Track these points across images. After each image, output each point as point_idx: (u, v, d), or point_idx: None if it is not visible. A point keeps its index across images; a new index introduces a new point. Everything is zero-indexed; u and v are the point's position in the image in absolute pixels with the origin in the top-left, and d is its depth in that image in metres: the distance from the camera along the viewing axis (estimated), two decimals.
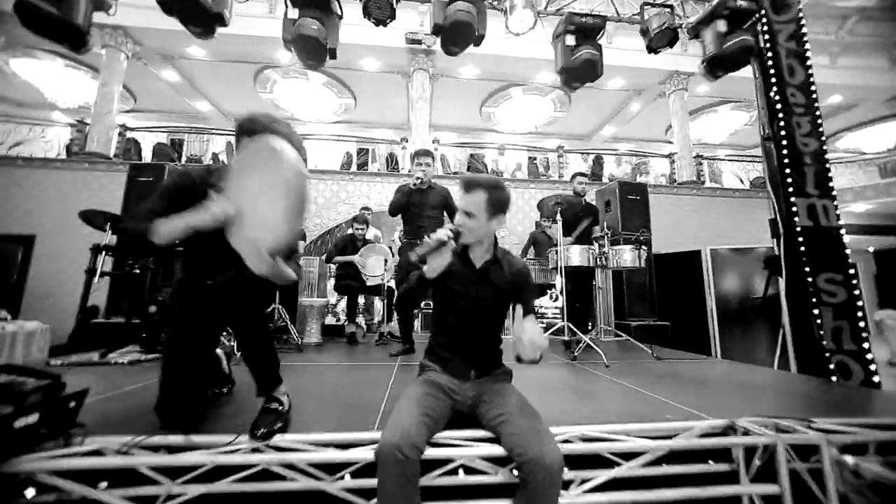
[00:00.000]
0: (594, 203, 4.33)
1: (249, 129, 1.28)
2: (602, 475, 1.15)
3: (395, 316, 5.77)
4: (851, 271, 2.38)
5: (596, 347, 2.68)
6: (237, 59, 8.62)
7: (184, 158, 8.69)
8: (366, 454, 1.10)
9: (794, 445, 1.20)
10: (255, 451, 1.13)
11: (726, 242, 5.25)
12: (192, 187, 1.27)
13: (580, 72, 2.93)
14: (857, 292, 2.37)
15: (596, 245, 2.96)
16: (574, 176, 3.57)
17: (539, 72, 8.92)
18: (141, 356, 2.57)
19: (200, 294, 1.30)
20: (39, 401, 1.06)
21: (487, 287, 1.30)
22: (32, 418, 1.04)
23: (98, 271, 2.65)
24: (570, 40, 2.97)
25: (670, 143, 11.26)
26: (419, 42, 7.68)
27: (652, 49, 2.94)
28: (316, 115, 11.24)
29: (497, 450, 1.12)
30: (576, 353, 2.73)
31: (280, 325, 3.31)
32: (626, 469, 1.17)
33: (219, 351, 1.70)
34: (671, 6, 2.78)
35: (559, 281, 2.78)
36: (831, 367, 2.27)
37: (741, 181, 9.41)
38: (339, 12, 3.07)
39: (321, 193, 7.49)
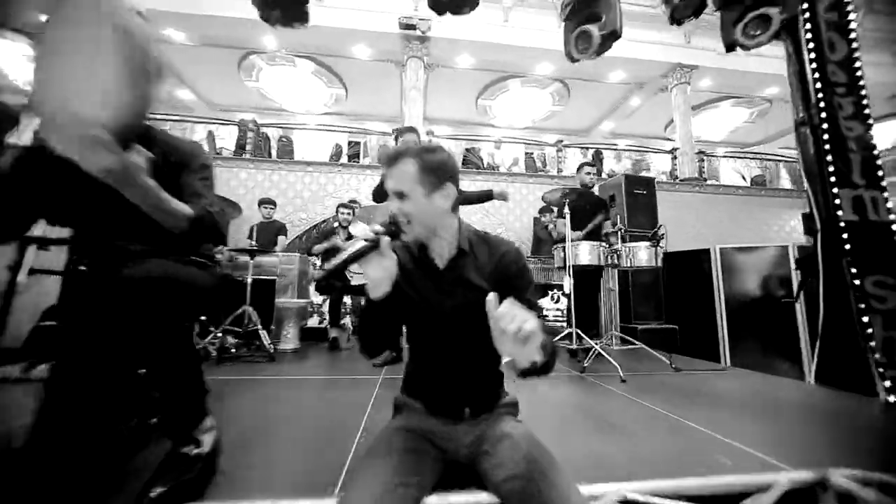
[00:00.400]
0: (600, 195, 4.00)
1: None
2: None
3: None
4: None
5: (608, 357, 2.35)
6: (220, 43, 8.13)
7: None
8: None
9: None
10: None
11: (728, 241, 4.99)
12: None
13: (590, 43, 2.57)
14: None
15: (607, 242, 2.62)
16: (581, 166, 3.23)
17: (538, 62, 8.59)
18: None
19: (101, 292, 0.91)
20: None
21: (461, 290, 0.89)
22: None
23: (27, 268, 2.24)
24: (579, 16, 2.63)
25: (670, 139, 11.01)
26: (413, 27, 7.28)
27: (675, 20, 2.61)
28: (305, 105, 10.77)
29: None
30: (585, 364, 2.40)
31: (250, 329, 2.92)
32: None
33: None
34: None
35: (567, 282, 2.45)
36: (887, 384, 1.96)
37: (743, 178, 9.18)
38: None
39: (307, 186, 7.07)
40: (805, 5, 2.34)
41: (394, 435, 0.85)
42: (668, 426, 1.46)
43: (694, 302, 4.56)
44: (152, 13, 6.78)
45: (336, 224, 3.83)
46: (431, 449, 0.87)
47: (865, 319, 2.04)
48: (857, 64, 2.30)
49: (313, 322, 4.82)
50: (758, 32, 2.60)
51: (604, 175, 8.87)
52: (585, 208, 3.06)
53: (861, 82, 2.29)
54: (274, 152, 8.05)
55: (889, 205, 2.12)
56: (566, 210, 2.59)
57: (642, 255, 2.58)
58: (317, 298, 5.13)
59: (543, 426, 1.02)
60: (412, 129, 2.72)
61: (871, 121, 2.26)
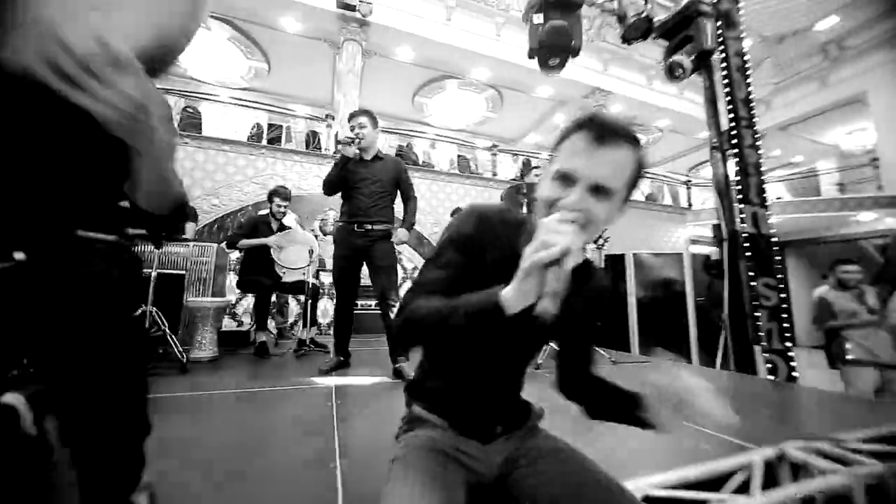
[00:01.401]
0: None
1: None
2: None
3: (323, 321, 4.93)
4: (781, 276, 2.59)
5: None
6: None
7: None
8: None
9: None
10: None
11: (633, 248, 5.76)
12: None
13: (552, 45, 2.65)
14: (784, 296, 2.58)
15: None
16: (531, 168, 3.36)
17: (476, 66, 8.81)
18: None
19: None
20: None
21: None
22: None
23: None
24: (539, 18, 2.71)
25: None
26: (353, 8, 6.84)
27: (625, 39, 2.87)
28: (218, 75, 9.37)
29: None
30: (540, 361, 2.47)
31: (156, 335, 2.36)
32: None
33: (12, 398, 0.92)
34: None
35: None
36: (768, 366, 2.41)
37: (641, 194, 10.68)
38: None
39: (221, 168, 6.13)
40: (721, 47, 2.75)
41: (424, 455, 0.70)
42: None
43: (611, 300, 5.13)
44: None
45: (267, 213, 3.34)
46: (460, 472, 0.74)
47: (757, 314, 2.47)
48: (752, 104, 2.79)
49: (228, 325, 4.17)
50: (678, 73, 3.00)
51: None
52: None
53: (755, 118, 2.78)
54: (175, 124, 6.81)
55: (770, 220, 2.62)
56: (524, 207, 2.64)
57: (590, 256, 2.76)
58: (230, 297, 4.45)
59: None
60: (366, 112, 2.38)
61: (761, 150, 2.75)
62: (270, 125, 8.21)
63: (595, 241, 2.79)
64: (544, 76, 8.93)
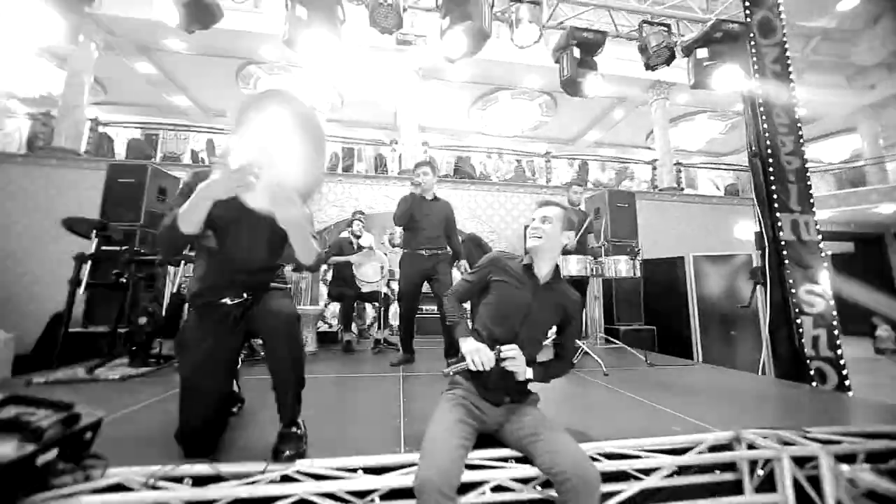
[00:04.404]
0: (586, 210, 4.44)
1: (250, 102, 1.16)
2: (629, 489, 1.20)
3: (394, 323, 5.74)
4: (828, 283, 2.56)
5: (593, 355, 2.77)
6: (219, 53, 8.32)
7: (159, 156, 8.30)
8: (400, 480, 1.11)
9: (793, 456, 1.29)
10: (285, 479, 1.12)
11: (702, 246, 5.50)
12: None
13: (572, 87, 3.00)
14: (832, 303, 2.55)
15: (593, 255, 3.05)
16: (570, 185, 3.66)
17: (527, 76, 9.05)
18: (132, 370, 2.47)
19: (221, 316, 1.26)
20: (58, 435, 1.01)
21: (548, 307, 1.33)
22: (52, 454, 0.99)
23: (84, 282, 2.52)
24: (575, 53, 3.04)
25: (650, 149, 11.65)
26: (409, 43, 7.65)
27: (649, 66, 3.06)
28: None
29: (528, 470, 1.15)
30: (574, 361, 2.81)
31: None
32: (647, 482, 1.23)
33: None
34: (668, 26, 2.89)
35: None
36: (811, 372, 2.43)
37: (717, 188, 9.85)
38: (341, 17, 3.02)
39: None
40: (755, 59, 2.81)
41: (452, 410, 1.22)
42: (640, 407, 1.87)
43: (670, 304, 5.05)
44: (153, 23, 6.94)
45: (347, 234, 4.16)
46: (476, 423, 1.24)
47: (799, 321, 2.50)
48: (795, 109, 2.78)
49: (320, 327, 5.13)
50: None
51: (589, 184, 9.39)
52: (578, 227, 3.48)
53: (798, 124, 2.76)
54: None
55: (817, 227, 2.60)
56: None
57: (622, 266, 3.00)
58: (320, 304, 5.44)
59: (540, 407, 1.41)
60: (427, 163, 3.07)
61: (805, 155, 2.73)
62: (344, 150, 9.44)
63: (627, 253, 3.02)
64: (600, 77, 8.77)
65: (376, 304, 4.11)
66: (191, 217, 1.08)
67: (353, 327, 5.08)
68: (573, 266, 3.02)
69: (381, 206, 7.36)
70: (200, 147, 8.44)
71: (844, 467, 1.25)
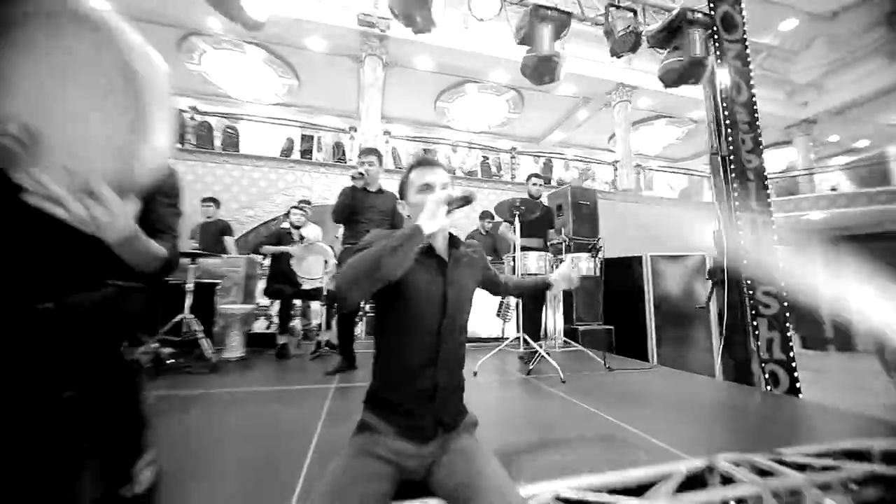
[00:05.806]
0: (549, 206, 4.27)
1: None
2: None
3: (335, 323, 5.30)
4: (783, 284, 2.52)
5: (551, 360, 2.55)
6: (156, 20, 7.37)
7: None
8: None
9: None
10: None
11: (661, 247, 5.56)
12: None
13: (538, 69, 2.77)
14: (786, 304, 2.50)
15: (553, 250, 2.83)
16: (529, 177, 3.45)
17: (494, 69, 8.86)
18: None
19: (27, 328, 0.84)
20: None
21: (461, 282, 1.03)
22: None
23: None
24: (538, 32, 2.80)
25: (612, 151, 11.93)
26: (372, 25, 7.17)
27: (615, 53, 2.89)
28: (254, 94, 10.13)
29: None
30: (531, 367, 2.59)
31: (189, 338, 2.74)
32: None
33: None
34: (634, 10, 2.74)
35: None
36: (766, 376, 2.36)
37: (671, 189, 10.23)
38: None
39: (255, 182, 6.69)
40: (718, 53, 2.70)
41: (353, 461, 0.88)
42: (599, 425, 1.64)
43: (627, 304, 5.03)
44: None
45: (287, 224, 3.70)
46: (391, 472, 0.90)
47: (755, 323, 2.42)
48: (755, 107, 2.71)
49: (260, 326, 4.60)
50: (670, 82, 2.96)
51: (553, 182, 9.40)
52: (533, 218, 3.26)
53: (758, 122, 2.70)
54: (217, 143, 7.50)
55: (774, 226, 2.54)
56: (516, 221, 2.76)
57: (583, 265, 2.82)
58: (264, 301, 4.89)
59: (490, 430, 1.12)
60: (373, 151, 2.78)
61: (763, 154, 2.67)
62: (303, 136, 8.77)
63: (588, 250, 2.84)
64: (565, 76, 8.81)
65: (321, 302, 3.69)
66: None
67: (298, 324, 4.61)
68: (532, 263, 2.79)
69: (336, 196, 6.86)
70: None
71: (829, 502, 1.07)
